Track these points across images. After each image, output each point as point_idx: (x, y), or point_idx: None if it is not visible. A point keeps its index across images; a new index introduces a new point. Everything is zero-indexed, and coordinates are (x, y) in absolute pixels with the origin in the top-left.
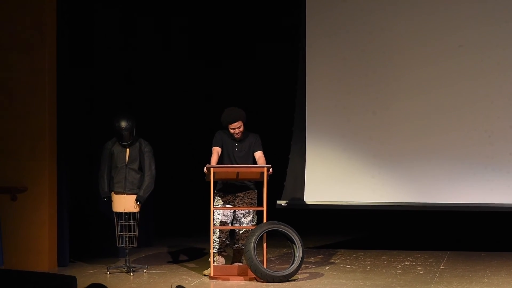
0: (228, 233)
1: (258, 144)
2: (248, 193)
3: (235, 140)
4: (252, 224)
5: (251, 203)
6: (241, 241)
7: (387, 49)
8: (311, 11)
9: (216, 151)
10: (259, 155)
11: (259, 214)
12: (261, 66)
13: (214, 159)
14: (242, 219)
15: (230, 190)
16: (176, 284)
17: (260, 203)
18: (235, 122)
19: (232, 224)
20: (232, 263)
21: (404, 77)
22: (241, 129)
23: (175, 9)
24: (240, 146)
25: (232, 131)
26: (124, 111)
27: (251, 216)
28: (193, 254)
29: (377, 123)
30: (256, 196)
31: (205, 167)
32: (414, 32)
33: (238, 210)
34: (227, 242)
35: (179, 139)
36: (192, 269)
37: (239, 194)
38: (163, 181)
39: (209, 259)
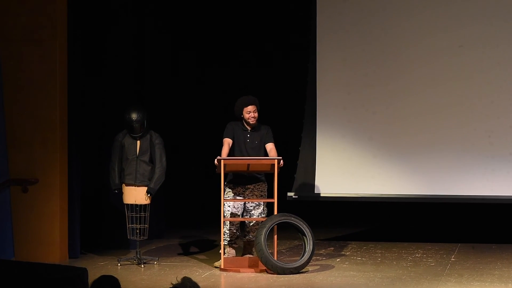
0: (238, 225)
1: (270, 136)
2: (258, 185)
3: (246, 131)
4: (262, 216)
5: (261, 195)
6: (251, 233)
7: (387, 49)
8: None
9: (227, 142)
10: (270, 147)
11: (269, 206)
12: (272, 59)
13: (225, 150)
14: (253, 211)
15: (240, 182)
16: (182, 276)
17: (270, 195)
18: (250, 104)
19: (242, 216)
20: (242, 255)
21: (405, 76)
22: (256, 114)
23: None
24: (252, 137)
25: (247, 115)
26: (135, 103)
27: (261, 208)
28: (204, 246)
29: (385, 118)
30: (266, 188)
31: (215, 159)
32: (414, 32)
33: (248, 202)
34: (238, 234)
35: (190, 130)
36: (202, 261)
37: (249, 186)
38: (174, 173)
39: (220, 251)
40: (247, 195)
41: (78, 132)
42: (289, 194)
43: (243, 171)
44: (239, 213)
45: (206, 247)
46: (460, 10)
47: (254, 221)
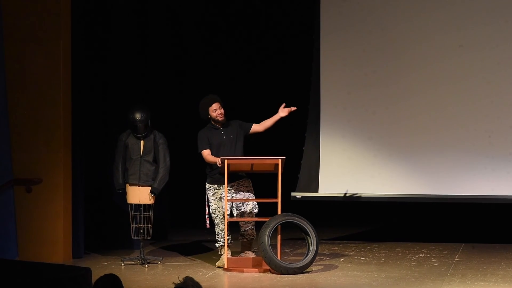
0: (228, 223)
1: (245, 124)
2: (241, 181)
3: (218, 129)
4: (256, 210)
5: (248, 190)
6: (247, 231)
7: (387, 49)
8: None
9: (207, 153)
10: (256, 124)
11: (273, 206)
12: (274, 58)
13: (212, 157)
14: (243, 209)
15: (223, 180)
16: (184, 276)
17: (274, 195)
18: (214, 103)
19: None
20: (241, 252)
21: (405, 76)
22: (222, 110)
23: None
24: (226, 132)
25: (214, 113)
26: (138, 103)
27: (251, 204)
28: (207, 246)
29: (387, 118)
30: (251, 184)
31: (218, 160)
32: (414, 32)
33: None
34: (228, 232)
35: (194, 130)
36: (206, 261)
37: (233, 183)
38: (178, 173)
39: (219, 252)
40: (233, 192)
41: (82, 132)
42: (293, 194)
43: (247, 171)
44: (228, 212)
45: (210, 247)
46: (460, 10)
47: (246, 222)
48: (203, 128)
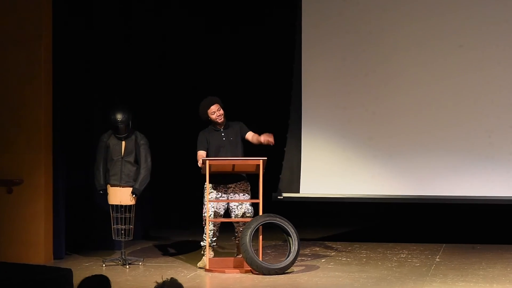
0: (219, 225)
1: (245, 128)
2: (240, 183)
3: (219, 131)
4: (248, 215)
5: (244, 194)
6: (238, 234)
7: (387, 49)
8: (309, 9)
9: (201, 155)
10: (252, 133)
11: (255, 206)
12: (256, 57)
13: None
14: (237, 211)
15: (222, 181)
16: (168, 277)
17: (255, 196)
18: (212, 105)
19: (224, 215)
20: (236, 255)
21: (404, 77)
22: (221, 111)
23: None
24: (226, 134)
25: (213, 116)
26: (120, 103)
27: (244, 206)
28: (189, 246)
29: (374, 119)
30: (249, 188)
31: (200, 160)
32: (414, 32)
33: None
34: (217, 234)
35: (176, 131)
36: (188, 261)
37: (230, 185)
38: (160, 174)
39: (202, 252)
40: (229, 193)
41: (63, 132)
42: (275, 194)
43: (228, 172)
44: (221, 213)
45: (191, 248)
46: (460, 10)
47: (237, 223)
48: (204, 128)
